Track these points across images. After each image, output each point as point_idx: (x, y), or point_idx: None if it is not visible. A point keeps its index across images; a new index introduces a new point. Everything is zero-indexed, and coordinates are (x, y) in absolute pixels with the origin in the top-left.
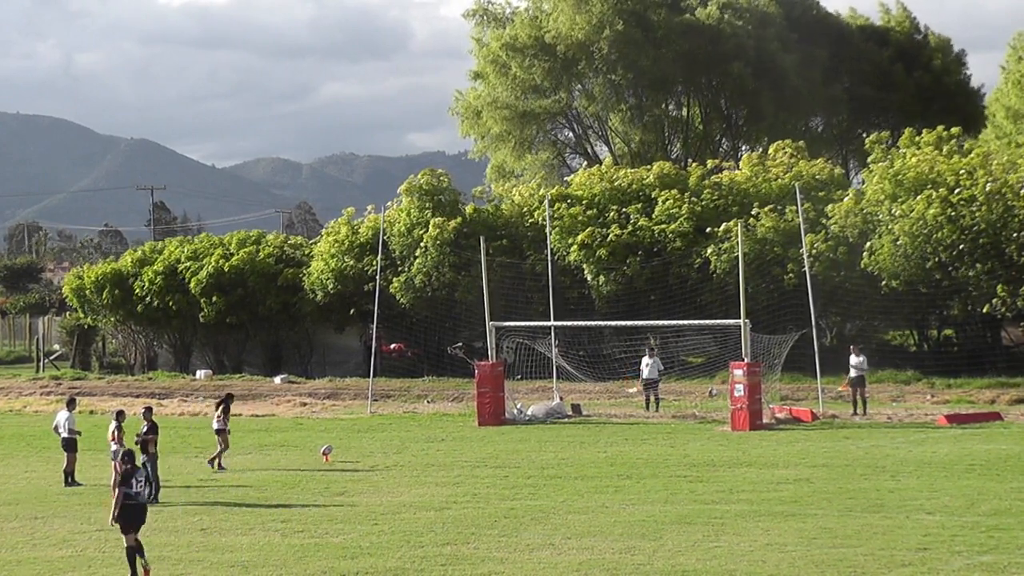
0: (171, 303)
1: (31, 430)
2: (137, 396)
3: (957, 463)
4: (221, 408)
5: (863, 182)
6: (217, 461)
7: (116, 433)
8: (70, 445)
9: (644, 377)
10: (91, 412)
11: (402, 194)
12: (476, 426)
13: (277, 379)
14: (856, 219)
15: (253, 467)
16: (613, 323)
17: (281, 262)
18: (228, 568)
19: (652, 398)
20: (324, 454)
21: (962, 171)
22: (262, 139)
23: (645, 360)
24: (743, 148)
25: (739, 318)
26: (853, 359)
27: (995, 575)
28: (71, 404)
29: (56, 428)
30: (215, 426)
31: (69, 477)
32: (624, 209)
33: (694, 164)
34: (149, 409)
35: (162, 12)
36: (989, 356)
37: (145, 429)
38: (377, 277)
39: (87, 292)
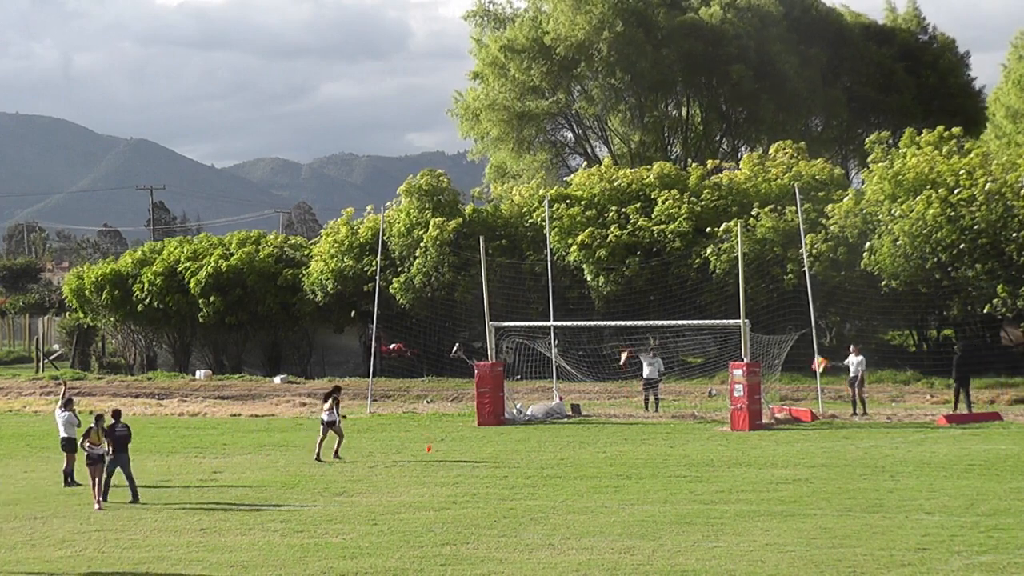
0: (170, 303)
1: (30, 430)
2: (136, 396)
3: (956, 463)
4: (331, 401)
5: (863, 182)
6: (336, 451)
7: (92, 434)
8: (69, 445)
9: (644, 377)
10: (90, 412)
11: (401, 194)
12: (475, 426)
13: (277, 379)
14: (856, 219)
15: (253, 467)
16: (613, 323)
17: (280, 262)
18: (228, 568)
19: (652, 398)
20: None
21: (962, 171)
22: (261, 139)
23: (645, 360)
24: (743, 148)
25: (739, 318)
26: (852, 359)
27: (994, 575)
28: (68, 404)
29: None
30: (325, 418)
31: (68, 477)
32: (623, 209)
33: (694, 164)
34: (118, 412)
35: (159, 12)
36: (988, 356)
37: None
38: (377, 277)
39: (87, 292)
